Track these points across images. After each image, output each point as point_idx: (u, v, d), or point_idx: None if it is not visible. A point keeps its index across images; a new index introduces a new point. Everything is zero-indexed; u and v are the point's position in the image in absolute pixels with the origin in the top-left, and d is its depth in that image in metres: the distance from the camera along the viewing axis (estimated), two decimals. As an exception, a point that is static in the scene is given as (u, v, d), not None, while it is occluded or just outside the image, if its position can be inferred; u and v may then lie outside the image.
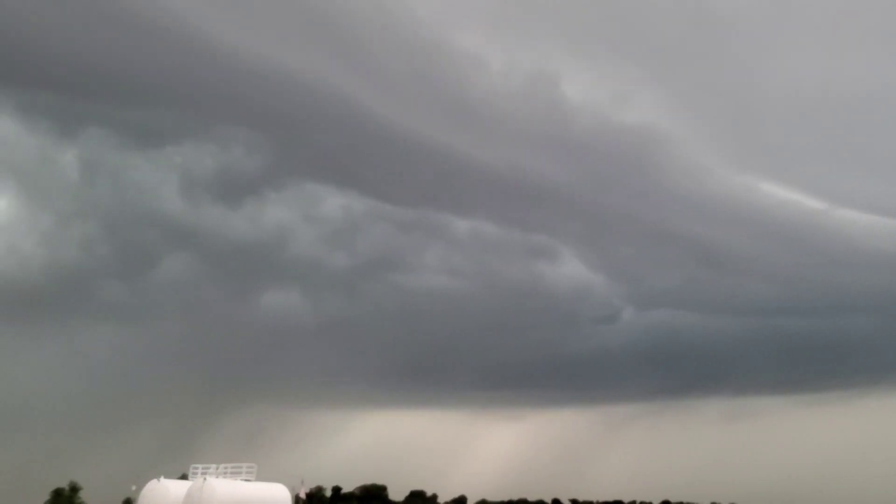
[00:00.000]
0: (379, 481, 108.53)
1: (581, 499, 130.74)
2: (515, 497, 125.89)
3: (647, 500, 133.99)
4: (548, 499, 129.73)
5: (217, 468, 47.50)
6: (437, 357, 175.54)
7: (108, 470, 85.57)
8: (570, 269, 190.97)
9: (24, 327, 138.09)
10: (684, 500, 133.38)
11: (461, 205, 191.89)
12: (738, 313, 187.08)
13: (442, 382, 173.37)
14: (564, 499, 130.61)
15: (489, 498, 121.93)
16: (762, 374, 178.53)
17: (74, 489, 78.76)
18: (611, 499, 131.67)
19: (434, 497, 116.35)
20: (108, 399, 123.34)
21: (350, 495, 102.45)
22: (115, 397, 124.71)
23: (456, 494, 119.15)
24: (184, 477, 49.33)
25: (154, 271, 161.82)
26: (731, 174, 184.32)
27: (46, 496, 78.81)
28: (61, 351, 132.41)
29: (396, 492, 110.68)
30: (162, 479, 46.47)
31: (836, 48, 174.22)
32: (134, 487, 47.33)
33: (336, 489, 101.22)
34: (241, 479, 47.77)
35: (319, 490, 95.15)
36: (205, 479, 45.27)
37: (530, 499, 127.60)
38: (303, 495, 53.14)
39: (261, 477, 48.98)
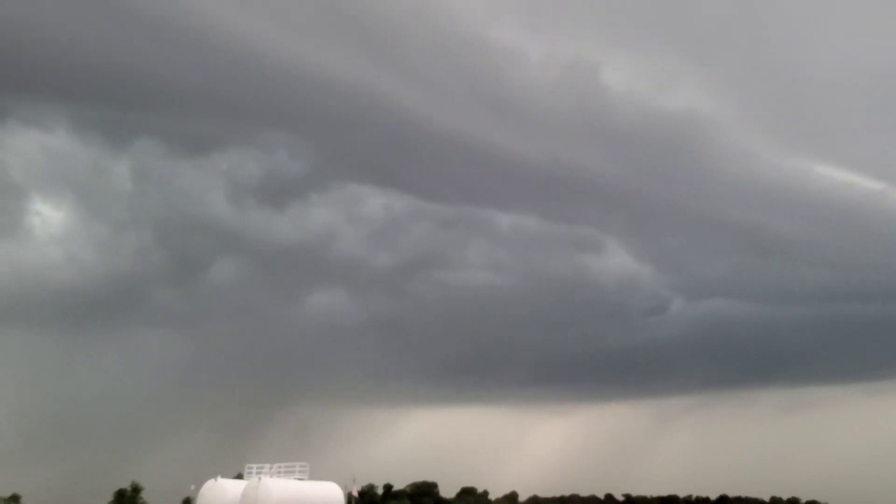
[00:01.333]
0: (429, 478, 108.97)
1: (634, 494, 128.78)
2: (567, 493, 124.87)
3: (704, 496, 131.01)
4: (600, 494, 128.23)
5: (271, 467, 48.28)
6: (484, 353, 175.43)
7: (168, 470, 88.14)
8: (616, 261, 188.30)
9: (84, 334, 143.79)
10: (742, 496, 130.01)
11: (503, 200, 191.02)
12: (793, 301, 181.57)
13: (489, 379, 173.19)
14: (617, 494, 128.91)
15: (540, 494, 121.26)
16: (821, 363, 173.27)
17: (136, 490, 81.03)
18: (665, 494, 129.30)
19: (485, 494, 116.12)
20: (165, 401, 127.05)
21: (401, 493, 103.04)
22: (171, 400, 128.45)
23: (507, 491, 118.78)
24: (239, 476, 50.35)
25: (204, 276, 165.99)
26: (781, 157, 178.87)
27: (110, 497, 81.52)
28: (120, 356, 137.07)
29: (447, 489, 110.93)
30: (219, 478, 47.47)
31: (888, 22, 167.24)
32: (193, 487, 48.52)
33: (387, 487, 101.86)
34: (295, 478, 48.48)
35: (371, 488, 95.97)
36: (259, 478, 46.08)
37: (582, 494, 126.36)
38: (355, 493, 53.64)
39: (313, 476, 49.61)
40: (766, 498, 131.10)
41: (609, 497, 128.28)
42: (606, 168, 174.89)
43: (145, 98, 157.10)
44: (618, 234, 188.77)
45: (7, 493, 78.06)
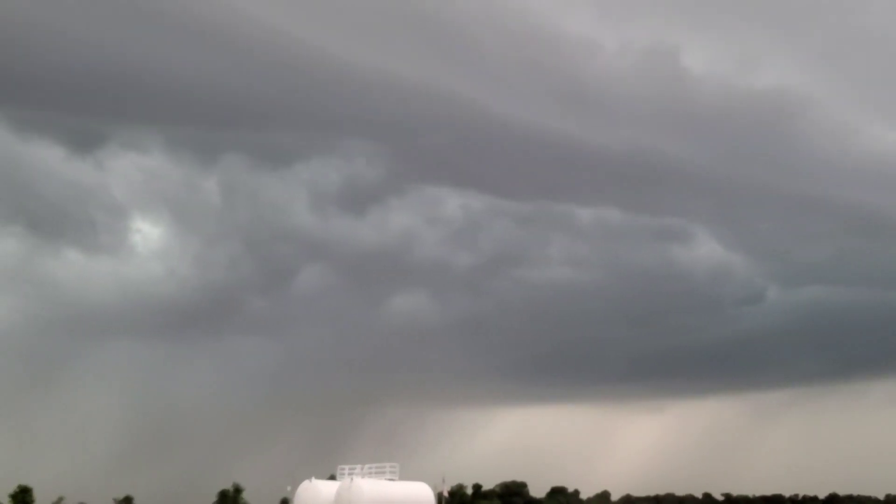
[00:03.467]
0: (519, 478, 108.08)
1: (735, 493, 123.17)
2: (662, 492, 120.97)
3: (811, 495, 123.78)
4: (698, 494, 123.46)
5: (362, 468, 49.10)
6: (570, 350, 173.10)
7: (265, 471, 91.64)
8: (705, 251, 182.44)
9: (185, 343, 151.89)
10: (853, 494, 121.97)
11: (582, 194, 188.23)
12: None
13: (576, 376, 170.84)
14: (716, 493, 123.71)
15: (634, 493, 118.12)
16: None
17: (238, 490, 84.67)
18: (768, 493, 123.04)
19: (576, 493, 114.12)
20: (260, 405, 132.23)
21: (491, 493, 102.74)
22: (266, 404, 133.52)
23: (598, 490, 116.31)
24: (332, 477, 51.48)
25: (292, 283, 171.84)
26: (882, 131, 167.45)
27: (214, 497, 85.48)
28: (217, 363, 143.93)
29: (537, 488, 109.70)
30: (313, 479, 48.68)
31: None
32: (289, 488, 50.04)
33: (476, 487, 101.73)
34: (386, 479, 49.09)
35: (461, 488, 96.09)
36: (352, 479, 46.92)
37: (678, 493, 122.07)
38: (445, 493, 53.79)
39: (403, 476, 50.09)
40: (881, 496, 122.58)
41: (707, 496, 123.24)
42: (691, 154, 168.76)
43: (230, 115, 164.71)
44: (706, 223, 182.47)
45: (121, 496, 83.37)
